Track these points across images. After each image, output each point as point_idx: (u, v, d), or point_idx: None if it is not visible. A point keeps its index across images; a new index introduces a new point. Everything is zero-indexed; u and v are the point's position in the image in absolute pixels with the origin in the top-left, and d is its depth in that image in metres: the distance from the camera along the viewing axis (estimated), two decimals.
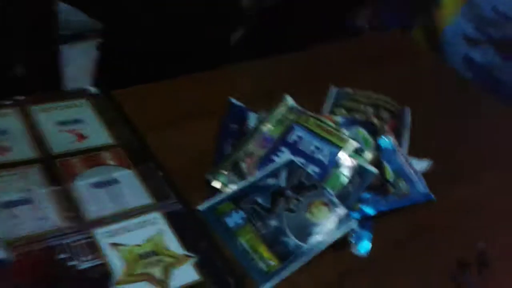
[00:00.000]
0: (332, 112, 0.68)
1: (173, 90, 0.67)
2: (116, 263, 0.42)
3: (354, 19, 1.11)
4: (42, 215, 0.43)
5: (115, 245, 0.43)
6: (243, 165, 0.57)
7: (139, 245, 0.44)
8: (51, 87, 1.06)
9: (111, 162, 0.51)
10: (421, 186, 0.60)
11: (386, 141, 0.64)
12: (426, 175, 0.61)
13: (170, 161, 0.55)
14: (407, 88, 0.77)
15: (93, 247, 0.42)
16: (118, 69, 0.82)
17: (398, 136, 0.66)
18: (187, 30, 0.79)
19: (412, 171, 0.61)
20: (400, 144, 0.65)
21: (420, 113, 0.70)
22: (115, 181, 0.49)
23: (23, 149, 0.49)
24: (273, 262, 0.49)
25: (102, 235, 0.43)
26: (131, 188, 0.49)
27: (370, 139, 0.63)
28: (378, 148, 0.62)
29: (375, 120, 0.67)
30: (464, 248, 0.53)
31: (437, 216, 0.58)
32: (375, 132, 0.64)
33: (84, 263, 0.41)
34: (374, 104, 0.69)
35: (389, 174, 0.60)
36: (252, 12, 0.98)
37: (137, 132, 0.56)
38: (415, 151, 0.64)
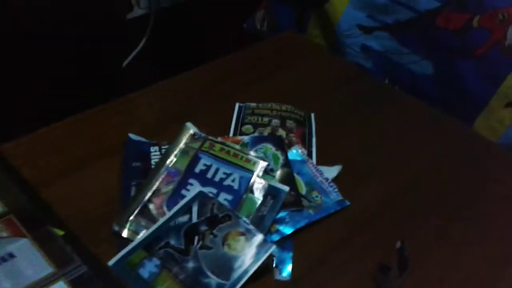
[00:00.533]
0: (239, 130, 0.67)
1: (64, 133, 0.63)
2: None
3: (251, 22, 1.09)
4: None
5: None
6: (151, 207, 0.55)
7: None
8: None
9: (4, 234, 0.47)
10: (334, 195, 0.60)
11: (294, 152, 0.64)
12: (336, 180, 0.62)
13: (71, 215, 0.52)
14: (308, 90, 0.77)
15: None
16: None
17: (306, 144, 0.66)
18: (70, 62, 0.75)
19: (323, 180, 0.61)
20: (309, 152, 0.66)
21: (322, 117, 0.71)
22: (10, 256, 0.45)
23: None
24: None
25: None
26: (28, 260, 0.45)
27: (279, 154, 0.62)
28: (287, 162, 0.62)
29: (282, 132, 0.67)
30: (385, 248, 0.53)
31: (353, 221, 0.58)
32: (283, 146, 0.63)
33: None
34: (278, 115, 0.69)
35: (302, 187, 0.60)
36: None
37: (29, 192, 0.52)
38: (324, 158, 0.65)
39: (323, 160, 0.64)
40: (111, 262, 0.49)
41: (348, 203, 0.60)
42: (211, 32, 1.08)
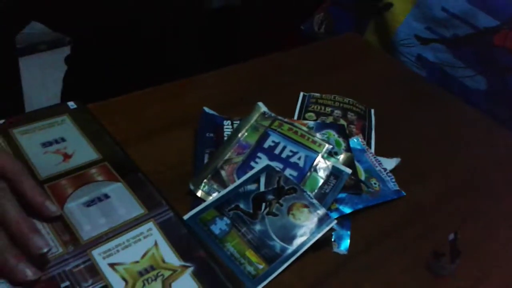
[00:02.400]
0: (303, 117, 0.71)
1: (144, 101, 0.68)
2: (117, 284, 0.43)
3: (309, 25, 1.14)
4: None
5: (113, 265, 0.44)
6: (223, 173, 0.59)
7: (137, 262, 0.45)
8: (12, 105, 1.03)
9: (100, 178, 0.51)
10: (392, 184, 0.64)
11: (355, 141, 0.68)
12: (394, 173, 0.65)
13: (150, 174, 0.56)
14: (368, 87, 0.81)
15: (93, 271, 0.43)
16: (87, 82, 0.81)
17: (365, 136, 0.70)
18: (155, 39, 0.80)
19: (382, 170, 0.65)
20: (368, 144, 0.69)
21: (381, 113, 0.75)
22: (105, 196, 0.49)
23: None
24: (261, 265, 0.51)
25: (100, 256, 0.44)
26: (122, 200, 0.49)
27: (341, 141, 0.66)
28: (349, 149, 0.65)
29: (343, 122, 0.71)
30: (437, 241, 0.56)
31: (409, 212, 0.62)
32: (345, 134, 0.67)
33: None
34: (341, 107, 0.73)
35: (361, 173, 0.64)
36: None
37: (119, 144, 0.57)
38: (382, 150, 0.68)
39: (381, 153, 0.68)
40: (186, 217, 0.53)
41: (404, 193, 0.63)
42: (266, 32, 1.13)
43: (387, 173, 0.64)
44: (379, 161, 0.66)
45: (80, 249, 0.44)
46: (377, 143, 0.70)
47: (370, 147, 0.69)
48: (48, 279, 0.41)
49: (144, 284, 0.43)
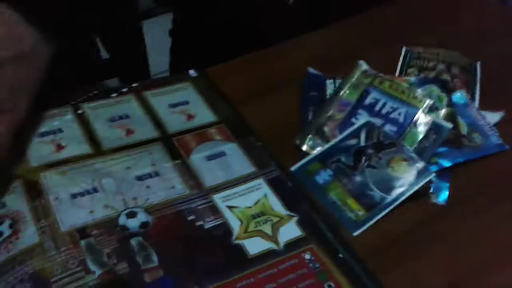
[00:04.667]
0: (405, 73, 0.73)
1: (254, 63, 0.74)
2: (234, 222, 0.51)
3: None
4: (169, 185, 0.53)
5: (231, 207, 0.52)
6: (326, 129, 0.64)
7: (250, 207, 0.52)
8: (136, 67, 1.16)
9: (218, 137, 0.59)
10: (495, 137, 0.64)
11: (458, 96, 0.68)
12: (498, 127, 0.65)
13: (263, 130, 0.63)
14: (473, 41, 0.79)
15: (214, 210, 0.51)
16: (193, 48, 0.89)
17: (469, 90, 0.70)
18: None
19: (485, 124, 0.65)
20: (472, 98, 0.69)
21: (488, 67, 0.73)
22: (223, 154, 0.57)
23: (145, 130, 0.58)
24: (361, 212, 0.56)
25: (219, 200, 0.52)
26: (237, 159, 0.57)
27: (443, 96, 0.67)
28: (451, 104, 0.66)
29: (447, 76, 0.71)
30: None
31: (510, 165, 0.62)
32: (447, 88, 0.68)
33: (208, 223, 0.50)
34: (444, 60, 0.73)
35: (463, 128, 0.65)
36: None
37: (234, 109, 0.64)
38: (487, 105, 0.68)
39: (485, 107, 0.68)
40: (293, 168, 0.60)
41: (507, 147, 0.63)
42: None
43: (490, 127, 0.65)
44: (482, 115, 0.66)
45: (204, 192, 0.53)
46: (482, 98, 0.70)
47: (474, 101, 0.69)
48: (176, 212, 0.50)
49: (256, 225, 0.51)
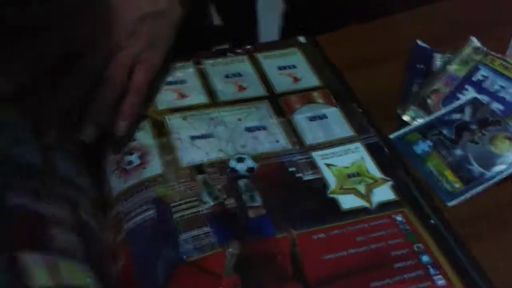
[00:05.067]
0: None
1: (363, 33, 0.76)
2: (330, 178, 0.54)
3: None
4: (274, 138, 0.57)
5: (328, 165, 0.55)
6: (429, 101, 0.65)
7: (346, 167, 0.55)
8: (247, 34, 1.21)
9: (320, 101, 0.63)
10: None
11: None
12: None
13: (365, 97, 0.65)
14: None
15: (313, 166, 0.55)
16: (305, 15, 0.92)
17: None
18: None
19: None
20: None
21: None
22: (324, 116, 0.61)
23: (255, 88, 0.63)
24: (458, 185, 0.57)
25: (318, 157, 0.56)
26: (337, 122, 0.60)
27: None
28: None
29: None
30: None
31: None
32: None
33: (307, 176, 0.54)
34: None
35: None
36: None
37: (339, 76, 0.67)
38: None
39: None
40: (392, 135, 0.62)
41: None
42: None
43: None
44: None
45: (304, 149, 0.57)
46: None
47: None
48: (279, 163, 0.55)
49: (351, 184, 0.54)
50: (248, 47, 0.68)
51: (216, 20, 1.16)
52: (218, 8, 1.12)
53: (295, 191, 0.53)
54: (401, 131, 0.62)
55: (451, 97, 0.65)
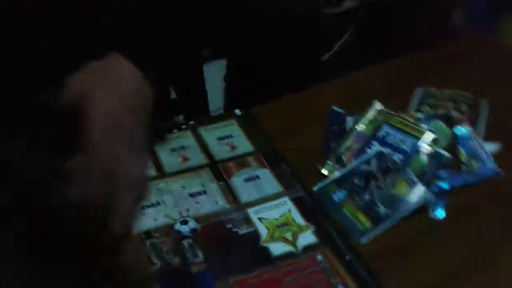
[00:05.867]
0: (418, 110, 0.85)
1: (292, 104, 0.90)
2: (262, 230, 0.66)
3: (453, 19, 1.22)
4: (214, 200, 0.69)
5: (260, 219, 0.67)
6: (344, 157, 0.78)
7: (276, 219, 0.67)
8: (198, 107, 1.34)
9: (254, 164, 0.75)
10: (490, 164, 0.75)
11: (462, 129, 0.80)
12: (497, 157, 0.76)
13: (293, 157, 0.78)
14: (485, 82, 0.90)
15: (247, 220, 0.67)
16: (243, 93, 1.06)
17: (475, 125, 0.81)
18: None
19: (483, 152, 0.76)
20: (476, 131, 0.80)
21: (495, 104, 0.85)
22: (257, 177, 0.73)
23: (197, 158, 0.75)
24: (368, 224, 0.69)
25: (252, 213, 0.68)
26: (268, 181, 0.73)
27: (447, 129, 0.79)
28: (454, 136, 0.78)
29: (454, 113, 0.83)
30: None
31: (506, 194, 0.73)
32: (451, 123, 0.80)
33: (243, 230, 0.66)
34: (453, 99, 0.85)
35: (463, 156, 0.76)
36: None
37: (270, 141, 0.80)
38: (491, 138, 0.79)
39: (488, 139, 0.79)
40: (315, 188, 0.74)
41: (503, 174, 0.74)
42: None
43: (487, 155, 0.76)
44: (481, 144, 0.77)
45: (240, 207, 0.69)
46: (487, 131, 0.81)
47: (478, 135, 0.80)
48: (218, 221, 0.66)
49: (280, 233, 0.66)
50: (191, 122, 0.81)
51: (173, 94, 1.29)
52: (174, 85, 1.26)
53: (232, 244, 0.64)
54: (322, 184, 0.75)
55: (361, 152, 0.78)
